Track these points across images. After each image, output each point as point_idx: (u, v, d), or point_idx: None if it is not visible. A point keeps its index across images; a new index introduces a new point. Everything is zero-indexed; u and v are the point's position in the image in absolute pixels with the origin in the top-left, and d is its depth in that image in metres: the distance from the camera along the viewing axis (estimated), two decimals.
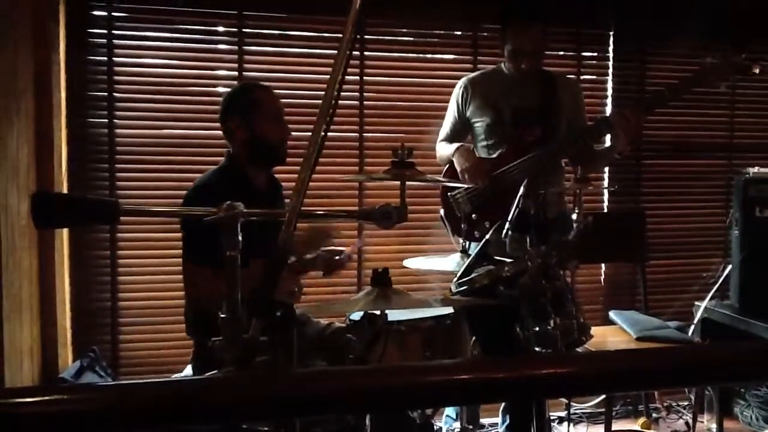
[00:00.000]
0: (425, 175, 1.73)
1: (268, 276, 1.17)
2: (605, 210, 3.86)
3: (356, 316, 2.15)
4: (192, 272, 2.27)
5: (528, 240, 1.91)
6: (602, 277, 3.86)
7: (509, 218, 2.29)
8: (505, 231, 2.30)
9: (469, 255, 2.55)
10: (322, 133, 1.26)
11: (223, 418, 1.16)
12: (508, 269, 1.93)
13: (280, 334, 1.22)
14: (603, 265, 3.86)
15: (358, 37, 3.44)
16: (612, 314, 3.36)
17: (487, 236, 2.31)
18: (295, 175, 2.87)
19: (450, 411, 3.14)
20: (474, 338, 2.01)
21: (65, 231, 3.12)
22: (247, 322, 1.50)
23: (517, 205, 2.27)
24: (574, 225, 2.06)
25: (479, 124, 3.10)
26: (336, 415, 1.99)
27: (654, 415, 3.69)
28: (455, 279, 2.30)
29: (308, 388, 0.98)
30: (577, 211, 2.10)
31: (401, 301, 1.70)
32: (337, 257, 2.43)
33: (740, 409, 3.65)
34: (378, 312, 1.70)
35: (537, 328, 1.77)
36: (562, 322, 1.81)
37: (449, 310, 2.13)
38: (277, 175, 2.59)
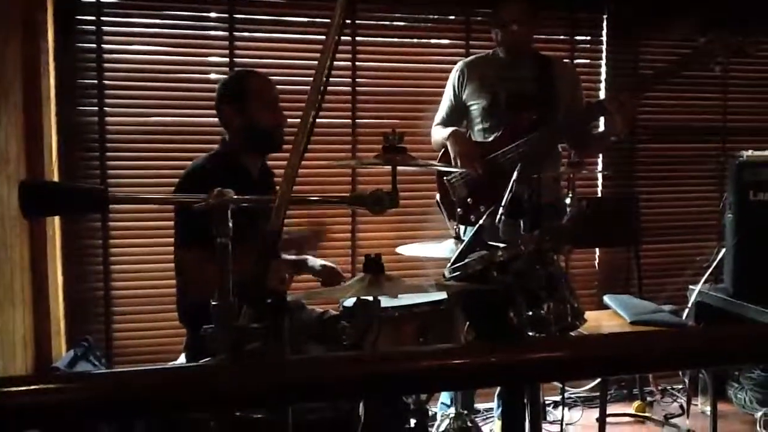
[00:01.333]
0: (417, 159, 1.72)
1: (259, 263, 1.16)
2: (599, 195, 3.85)
3: (350, 302, 2.15)
4: (183, 258, 2.26)
5: (521, 225, 1.90)
6: (597, 262, 3.85)
7: (503, 203, 2.29)
8: (498, 216, 2.30)
9: (463, 240, 2.55)
10: (311, 120, 1.24)
11: (216, 406, 1.16)
12: (502, 254, 1.92)
13: (270, 321, 1.21)
14: (597, 250, 3.86)
15: (350, 22, 3.42)
16: (606, 298, 3.36)
17: (481, 221, 2.30)
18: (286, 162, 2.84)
19: (444, 397, 3.14)
20: (468, 324, 2.00)
21: (56, 220, 3.10)
22: (238, 309, 1.49)
23: (511, 190, 2.26)
24: (568, 210, 2.05)
25: (475, 107, 3.09)
26: (330, 402, 1.99)
27: (648, 398, 3.70)
28: (449, 265, 2.30)
29: (300, 376, 0.98)
30: (570, 195, 2.09)
31: (394, 288, 1.69)
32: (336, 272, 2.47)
33: (734, 391, 3.67)
34: (370, 298, 1.69)
35: (530, 313, 1.76)
36: (556, 307, 1.80)
37: (443, 295, 2.12)
38: (269, 163, 2.57)
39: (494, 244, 2.14)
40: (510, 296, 1.89)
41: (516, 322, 1.82)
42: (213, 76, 3.28)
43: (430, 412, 2.68)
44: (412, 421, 2.21)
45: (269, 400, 1.16)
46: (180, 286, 2.38)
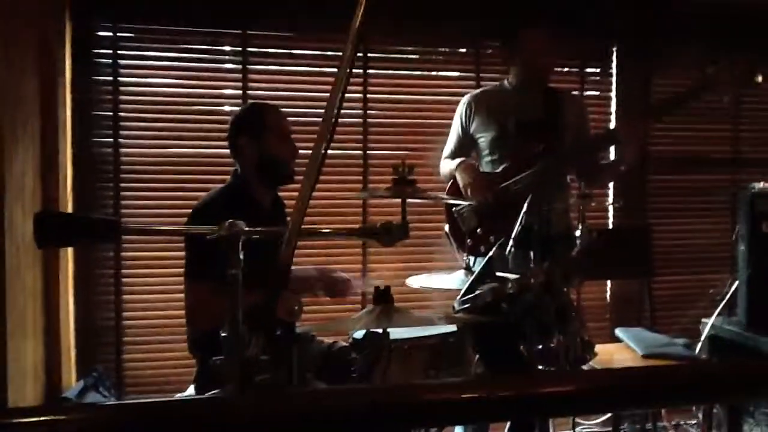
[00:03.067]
0: (426, 192, 1.73)
1: (269, 294, 1.17)
2: (610, 226, 3.84)
3: (359, 334, 2.15)
4: (191, 289, 2.27)
5: (532, 256, 1.90)
6: (608, 294, 3.83)
7: (513, 234, 2.29)
8: (508, 247, 2.30)
9: (473, 272, 2.55)
10: (323, 152, 1.26)
11: None
12: (512, 286, 1.92)
13: (280, 352, 1.22)
14: (609, 282, 3.84)
15: (362, 54, 3.46)
16: (618, 331, 3.33)
17: (491, 253, 2.30)
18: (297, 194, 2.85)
19: (458, 430, 3.11)
20: (477, 356, 1.99)
21: (70, 250, 3.13)
22: (248, 340, 1.50)
23: (521, 221, 2.26)
24: (577, 241, 2.05)
25: (483, 139, 3.11)
26: None
27: None
28: (459, 297, 2.30)
29: (308, 408, 0.97)
30: (580, 227, 2.09)
31: (403, 319, 1.69)
32: (339, 280, 2.45)
33: (749, 427, 3.60)
34: (380, 330, 1.69)
35: (540, 346, 1.75)
36: (566, 340, 1.79)
37: (452, 328, 2.12)
38: (280, 194, 2.59)
39: (504, 275, 2.14)
40: (520, 329, 1.88)
41: (526, 354, 1.81)
42: (226, 108, 3.33)
43: None
44: None
45: None
46: (189, 317, 2.39)
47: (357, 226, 3.24)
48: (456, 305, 2.04)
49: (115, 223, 1.48)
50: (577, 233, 2.08)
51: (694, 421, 3.71)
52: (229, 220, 1.50)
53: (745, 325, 3.45)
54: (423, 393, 0.99)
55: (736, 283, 3.59)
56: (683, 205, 3.95)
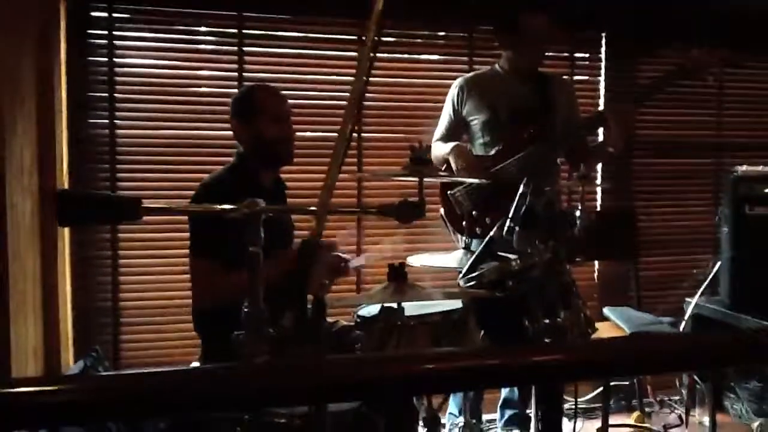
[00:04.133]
0: (443, 171, 1.78)
1: (300, 269, 1.21)
2: (598, 208, 3.93)
3: (364, 312, 2.19)
4: (200, 267, 2.30)
5: (535, 236, 1.96)
6: (596, 275, 3.92)
7: (510, 215, 2.35)
8: (507, 227, 2.35)
9: (473, 252, 2.61)
10: (349, 131, 1.30)
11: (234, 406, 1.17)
12: (516, 264, 1.98)
13: (310, 325, 1.26)
14: (597, 263, 3.93)
15: (358, 38, 3.49)
16: (606, 311, 3.42)
17: (491, 233, 2.36)
18: (301, 175, 2.91)
19: (453, 408, 3.19)
20: (483, 332, 2.05)
21: (66, 231, 3.13)
22: (272, 315, 1.54)
23: (519, 202, 2.32)
24: (578, 221, 2.11)
25: (475, 122, 3.17)
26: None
27: (647, 409, 3.75)
28: (461, 275, 2.35)
29: (323, 376, 0.98)
30: (580, 207, 2.16)
31: (418, 295, 1.74)
32: (342, 264, 2.47)
33: (730, 402, 3.73)
34: (395, 305, 1.74)
35: (547, 321, 1.82)
36: (571, 315, 1.86)
37: (456, 304, 2.17)
38: (284, 175, 2.62)
39: (505, 254, 2.20)
40: (524, 305, 1.95)
41: (531, 330, 1.88)
42: (222, 90, 3.33)
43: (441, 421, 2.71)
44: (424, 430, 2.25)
45: (299, 400, 1.19)
46: (195, 294, 2.42)
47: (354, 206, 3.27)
48: (462, 283, 2.09)
49: (138, 201, 1.50)
50: (577, 213, 2.14)
51: (677, 398, 3.82)
52: (250, 199, 1.54)
53: (727, 304, 3.56)
54: (426, 362, 1.01)
55: (719, 263, 3.70)
56: (668, 188, 4.04)
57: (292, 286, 1.20)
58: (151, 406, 0.92)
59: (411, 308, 2.10)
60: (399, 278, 1.70)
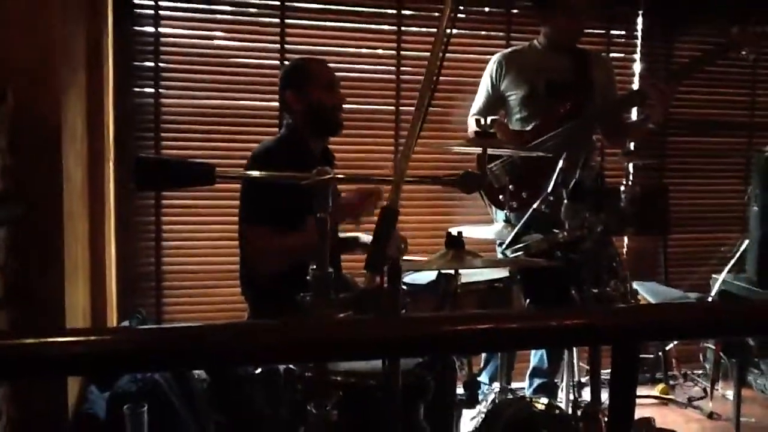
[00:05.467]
0: (505, 145, 1.83)
1: (381, 233, 1.28)
2: (630, 185, 3.97)
3: (409, 279, 2.26)
4: (255, 232, 2.38)
5: (584, 208, 2.02)
6: (625, 249, 3.98)
7: (551, 189, 2.40)
8: (548, 201, 2.41)
9: (513, 225, 2.68)
10: (427, 102, 1.36)
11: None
12: (563, 236, 2.05)
13: (389, 284, 1.33)
14: (626, 238, 3.98)
15: (396, 12, 3.53)
16: (635, 285, 3.47)
17: (533, 206, 2.42)
18: (343, 147, 2.92)
19: (484, 376, 3.28)
20: (528, 301, 2.13)
21: (112, 198, 3.21)
22: (335, 278, 1.62)
23: (558, 176, 2.38)
24: (623, 195, 2.17)
25: (513, 97, 3.20)
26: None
27: (671, 382, 3.83)
28: (504, 246, 2.43)
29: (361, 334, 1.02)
30: (625, 182, 2.21)
31: (475, 262, 1.82)
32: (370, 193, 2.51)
33: (754, 377, 3.81)
34: (452, 272, 1.81)
35: (595, 291, 1.89)
36: (618, 285, 1.93)
37: (501, 273, 2.24)
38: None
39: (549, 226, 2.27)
40: (571, 275, 2.02)
41: (579, 299, 1.95)
42: (264, 61, 3.39)
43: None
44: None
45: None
46: (246, 259, 2.50)
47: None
48: (507, 254, 2.16)
49: (211, 168, 1.57)
50: (622, 188, 2.20)
51: (700, 371, 3.90)
52: (319, 167, 1.61)
53: (754, 281, 3.63)
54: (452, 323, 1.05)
55: (747, 241, 3.76)
56: (699, 167, 4.08)
57: (374, 251, 1.27)
58: (205, 356, 0.97)
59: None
60: (456, 246, 1.77)
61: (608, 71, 3.36)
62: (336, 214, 2.32)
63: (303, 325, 1.11)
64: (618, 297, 1.89)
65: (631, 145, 2.92)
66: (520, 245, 2.13)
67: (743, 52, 3.01)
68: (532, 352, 3.31)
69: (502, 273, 2.22)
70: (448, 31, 1.40)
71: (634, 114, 3.71)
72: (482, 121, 1.67)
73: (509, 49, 3.38)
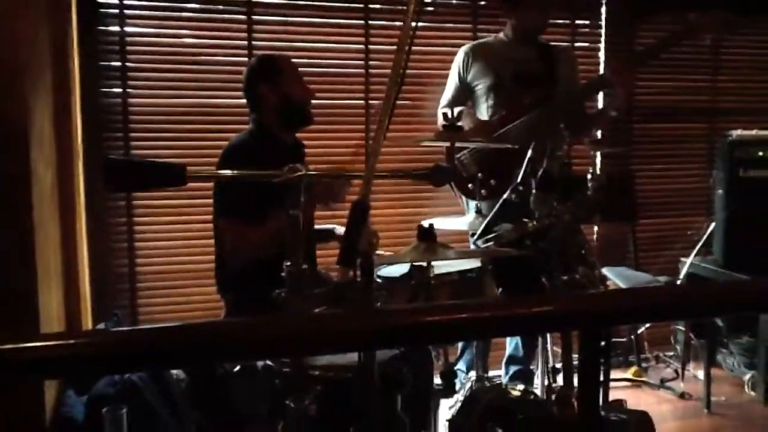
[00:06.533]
0: (470, 137, 1.86)
1: (352, 228, 1.30)
2: (598, 172, 4.03)
3: (384, 273, 2.29)
4: (229, 229, 2.39)
5: (553, 198, 2.07)
6: (595, 236, 4.04)
7: (520, 178, 2.44)
8: (518, 190, 2.45)
9: (484, 215, 2.71)
10: (393, 98, 1.38)
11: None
12: (533, 225, 2.09)
13: (362, 278, 1.36)
14: (595, 225, 4.05)
15: (364, 5, 3.54)
16: (605, 271, 3.54)
17: (504, 196, 2.46)
18: (312, 142, 2.92)
19: (461, 365, 3.32)
20: (500, 290, 2.16)
21: (82, 199, 3.19)
22: (310, 273, 1.64)
23: (528, 166, 2.42)
24: (590, 184, 2.21)
25: (480, 86, 3.26)
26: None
27: (644, 364, 3.92)
28: (476, 237, 2.46)
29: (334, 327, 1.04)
30: (591, 170, 2.26)
31: (447, 254, 1.85)
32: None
33: (723, 357, 3.90)
34: (425, 264, 1.84)
35: (565, 278, 1.93)
36: (587, 272, 1.97)
37: (473, 264, 2.28)
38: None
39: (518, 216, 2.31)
40: (541, 263, 2.06)
41: (549, 287, 1.99)
42: (231, 59, 3.38)
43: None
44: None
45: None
46: (220, 255, 2.51)
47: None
48: (479, 244, 2.19)
49: (182, 168, 1.58)
50: (588, 176, 2.24)
51: (672, 353, 3.99)
52: (291, 165, 1.63)
53: (721, 263, 3.71)
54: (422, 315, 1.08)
55: (713, 225, 3.84)
56: (664, 152, 4.16)
57: (346, 246, 1.29)
58: (180, 356, 0.97)
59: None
60: (428, 239, 1.80)
61: (572, 62, 3.44)
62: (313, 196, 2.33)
63: (278, 321, 1.13)
64: (587, 283, 1.93)
65: (598, 134, 2.97)
66: (491, 235, 2.17)
67: (701, 37, 3.09)
68: (507, 339, 3.36)
69: (474, 263, 2.26)
70: (414, 24, 1.41)
71: (600, 104, 3.77)
72: (449, 114, 1.69)
73: (476, 41, 3.44)
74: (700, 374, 3.59)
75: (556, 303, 1.10)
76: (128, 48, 3.28)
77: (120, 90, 3.28)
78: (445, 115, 1.79)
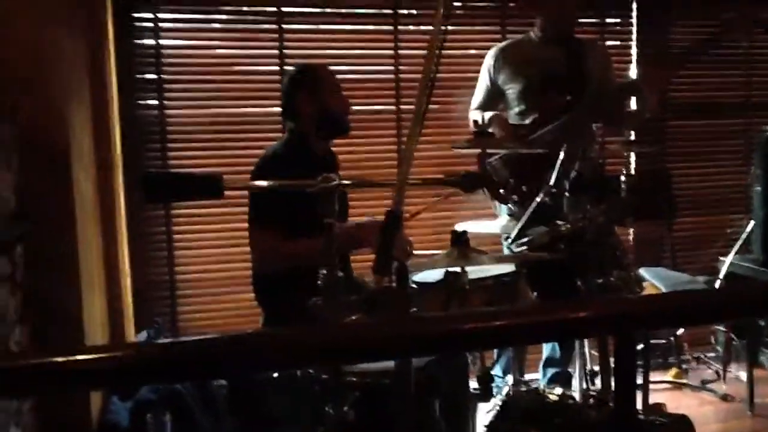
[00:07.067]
0: (505, 143, 1.87)
1: (386, 236, 1.32)
2: (633, 171, 3.98)
3: (418, 278, 2.30)
4: (263, 236, 2.42)
5: (586, 200, 2.06)
6: (631, 236, 4.00)
7: (552, 181, 2.43)
8: (552, 193, 2.44)
9: (517, 218, 2.71)
10: (424, 107, 1.39)
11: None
12: (566, 228, 2.08)
13: (397, 283, 1.37)
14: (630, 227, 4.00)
15: (392, 11, 3.56)
16: (642, 271, 3.49)
17: (537, 199, 2.45)
18: (344, 148, 2.94)
19: (497, 370, 3.31)
20: (535, 294, 2.16)
21: (123, 209, 3.26)
22: (346, 280, 1.66)
23: (560, 169, 2.41)
24: (623, 185, 2.20)
25: (511, 91, 3.23)
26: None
27: (684, 366, 3.85)
28: (510, 241, 2.46)
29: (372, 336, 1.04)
30: (624, 171, 2.24)
31: (481, 259, 1.85)
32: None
33: (766, 357, 3.82)
34: (459, 270, 1.85)
35: (600, 281, 1.92)
36: (622, 274, 1.96)
37: (508, 268, 2.28)
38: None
39: (552, 219, 2.30)
40: (575, 266, 2.05)
41: (585, 289, 1.98)
42: (264, 68, 3.43)
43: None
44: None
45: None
46: (256, 263, 2.55)
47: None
48: (513, 248, 2.19)
49: (219, 179, 1.62)
50: (621, 177, 2.23)
51: (713, 354, 3.92)
52: (324, 174, 1.65)
53: (760, 262, 3.64)
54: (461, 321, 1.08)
55: (752, 223, 3.77)
56: (700, 149, 4.10)
57: (380, 255, 1.31)
58: (220, 368, 1.00)
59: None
60: (462, 244, 1.81)
61: (604, 58, 3.39)
62: (342, 239, 2.36)
63: (314, 332, 1.15)
64: (621, 285, 1.92)
65: (631, 135, 2.94)
66: (525, 239, 2.17)
67: (739, 38, 3.04)
68: None
69: (509, 268, 2.26)
70: (443, 28, 1.42)
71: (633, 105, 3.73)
72: (479, 121, 1.70)
73: (505, 42, 3.40)
74: (743, 375, 3.52)
75: (589, 308, 1.10)
76: (163, 60, 3.34)
77: (156, 102, 3.35)
78: (475, 122, 1.80)
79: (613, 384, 1.95)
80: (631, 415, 1.04)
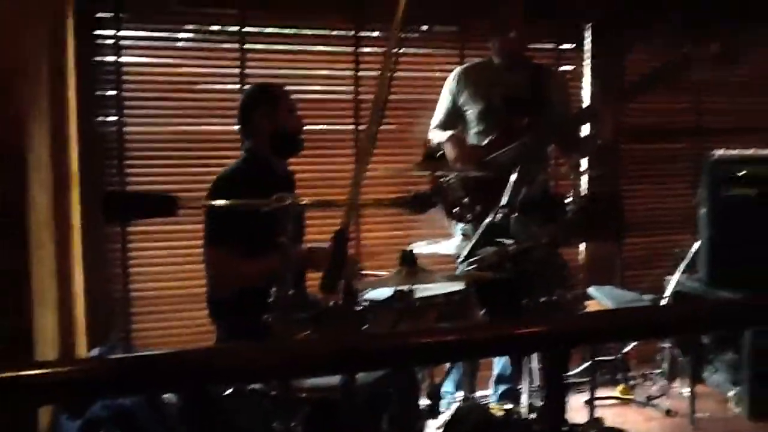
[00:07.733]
0: (453, 167, 1.93)
1: (336, 257, 1.37)
2: (583, 193, 4.10)
3: (374, 295, 2.35)
4: (218, 256, 2.45)
5: (533, 221, 2.14)
6: (581, 256, 4.10)
7: (504, 202, 2.51)
8: (502, 213, 2.52)
9: (470, 238, 2.78)
10: (375, 130, 1.45)
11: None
12: (513, 248, 2.16)
13: (344, 305, 1.42)
14: (582, 245, 4.11)
15: (354, 34, 3.63)
16: (591, 290, 3.60)
17: (488, 219, 2.53)
18: (302, 167, 2.99)
19: (449, 386, 3.37)
20: (483, 311, 2.23)
21: (77, 225, 3.25)
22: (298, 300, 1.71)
23: (512, 190, 2.49)
24: (570, 206, 2.29)
25: (471, 111, 3.31)
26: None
27: (631, 382, 3.96)
28: (461, 260, 2.53)
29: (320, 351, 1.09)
30: (572, 193, 2.34)
31: (429, 278, 1.91)
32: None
33: (709, 373, 3.95)
34: (406, 289, 1.90)
35: (544, 299, 2.00)
36: (565, 294, 2.04)
37: (457, 287, 2.34)
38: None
39: (501, 239, 2.38)
40: (526, 284, 2.13)
41: (531, 308, 2.06)
42: (225, 86, 3.46)
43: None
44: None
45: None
46: (210, 282, 2.57)
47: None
48: (463, 267, 2.26)
49: (174, 199, 1.65)
50: (569, 199, 2.31)
51: (658, 371, 4.03)
52: (278, 194, 1.70)
53: (705, 281, 3.78)
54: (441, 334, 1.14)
55: (698, 243, 3.91)
56: (650, 173, 4.24)
57: (328, 274, 1.36)
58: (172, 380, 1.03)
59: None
60: (410, 263, 1.86)
61: (563, 85, 3.51)
62: (303, 261, 2.41)
63: (263, 347, 1.20)
64: (566, 304, 2.00)
65: (582, 160, 3.03)
66: (475, 258, 2.24)
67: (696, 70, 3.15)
68: (495, 359, 3.41)
69: (459, 286, 2.32)
70: (395, 51, 1.48)
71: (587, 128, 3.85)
72: (432, 144, 1.76)
73: (468, 64, 3.49)
74: (686, 391, 3.64)
75: (519, 326, 1.17)
76: (124, 77, 3.35)
77: (116, 118, 3.35)
78: (426, 145, 1.87)
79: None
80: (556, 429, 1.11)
